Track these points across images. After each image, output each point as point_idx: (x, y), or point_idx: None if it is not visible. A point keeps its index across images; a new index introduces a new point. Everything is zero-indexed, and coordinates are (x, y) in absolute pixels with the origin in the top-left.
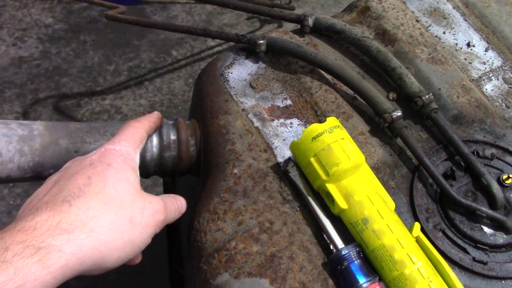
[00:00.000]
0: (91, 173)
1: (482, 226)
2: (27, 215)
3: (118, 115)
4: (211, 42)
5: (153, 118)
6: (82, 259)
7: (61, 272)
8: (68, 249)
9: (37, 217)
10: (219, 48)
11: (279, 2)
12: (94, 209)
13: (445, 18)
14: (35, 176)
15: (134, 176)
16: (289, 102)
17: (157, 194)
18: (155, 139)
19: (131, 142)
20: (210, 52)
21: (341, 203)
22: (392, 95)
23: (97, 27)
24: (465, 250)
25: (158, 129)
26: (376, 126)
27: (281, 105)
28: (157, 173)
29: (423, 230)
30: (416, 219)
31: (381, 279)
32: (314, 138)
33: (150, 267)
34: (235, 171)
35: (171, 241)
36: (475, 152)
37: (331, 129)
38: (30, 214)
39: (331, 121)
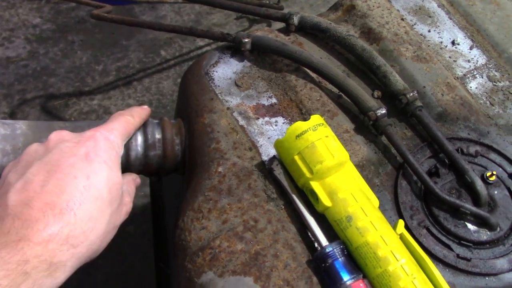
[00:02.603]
0: (89, 172)
1: (466, 223)
2: (36, 220)
3: (107, 115)
4: (200, 42)
5: (144, 114)
6: (78, 266)
7: (64, 280)
8: (71, 263)
9: (48, 229)
10: (208, 48)
11: (267, 1)
12: (93, 220)
13: (430, 17)
14: None
15: (120, 176)
16: (274, 100)
17: (144, 194)
18: (139, 138)
19: (122, 134)
20: (199, 52)
21: (325, 200)
22: (377, 93)
23: (85, 27)
24: (449, 247)
25: (143, 128)
26: (361, 124)
27: (266, 104)
28: (142, 172)
29: (407, 227)
30: (401, 216)
31: (365, 276)
32: (298, 136)
33: (138, 267)
34: (220, 169)
35: (157, 240)
36: (459, 149)
37: (315, 127)
38: (39, 220)
39: (315, 119)
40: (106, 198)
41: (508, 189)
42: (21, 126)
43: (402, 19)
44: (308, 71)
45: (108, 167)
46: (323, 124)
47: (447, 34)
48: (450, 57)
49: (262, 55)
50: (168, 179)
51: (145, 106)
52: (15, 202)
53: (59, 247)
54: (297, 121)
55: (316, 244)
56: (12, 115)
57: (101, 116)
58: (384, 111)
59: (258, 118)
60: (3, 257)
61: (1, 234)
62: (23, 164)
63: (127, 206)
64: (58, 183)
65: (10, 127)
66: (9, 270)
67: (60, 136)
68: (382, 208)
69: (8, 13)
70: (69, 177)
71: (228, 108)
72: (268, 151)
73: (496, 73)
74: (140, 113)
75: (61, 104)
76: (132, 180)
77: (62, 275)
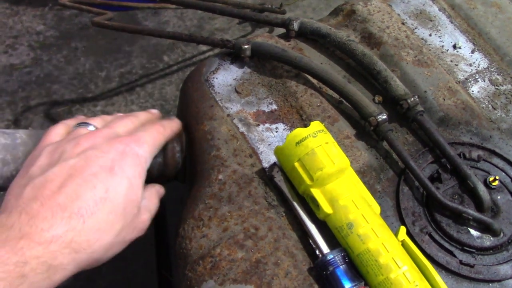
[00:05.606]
0: (109, 185)
1: (469, 228)
2: (43, 219)
3: None
4: (203, 47)
5: (175, 127)
6: (76, 272)
7: (61, 283)
8: (71, 267)
9: (52, 230)
10: (210, 53)
11: (269, 6)
12: (101, 231)
13: (431, 20)
14: None
15: (140, 194)
16: (274, 107)
17: None
18: None
19: (151, 148)
20: (202, 57)
21: (326, 207)
22: (378, 98)
23: (89, 33)
24: (452, 253)
25: None
26: (362, 130)
27: (267, 110)
28: None
29: (409, 233)
30: (403, 222)
31: (366, 284)
32: (298, 143)
33: (141, 274)
34: (220, 177)
35: (160, 248)
36: (462, 154)
37: (315, 134)
38: (45, 220)
39: (315, 125)
40: (120, 214)
41: (511, 194)
42: (21, 135)
43: (403, 23)
44: (309, 77)
45: (130, 183)
46: (323, 130)
47: (448, 38)
48: (451, 61)
49: (262, 61)
50: (172, 185)
51: (175, 119)
52: (29, 195)
53: (61, 249)
54: (297, 127)
55: (317, 252)
56: (16, 122)
57: None
58: (385, 117)
59: (259, 125)
60: (2, 256)
61: (4, 227)
62: (48, 161)
63: (143, 223)
64: (76, 188)
65: (10, 137)
66: (6, 273)
67: (93, 142)
68: (383, 214)
69: (11, 20)
70: (89, 185)
71: (228, 115)
72: (268, 158)
73: (498, 77)
74: (171, 125)
75: (64, 111)
76: (156, 192)
77: (61, 278)
